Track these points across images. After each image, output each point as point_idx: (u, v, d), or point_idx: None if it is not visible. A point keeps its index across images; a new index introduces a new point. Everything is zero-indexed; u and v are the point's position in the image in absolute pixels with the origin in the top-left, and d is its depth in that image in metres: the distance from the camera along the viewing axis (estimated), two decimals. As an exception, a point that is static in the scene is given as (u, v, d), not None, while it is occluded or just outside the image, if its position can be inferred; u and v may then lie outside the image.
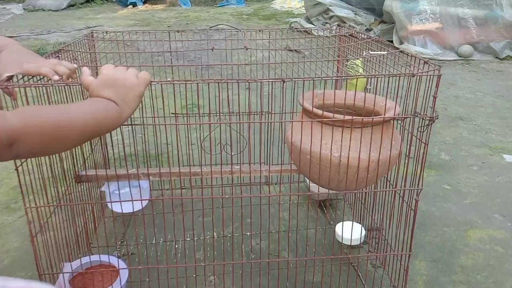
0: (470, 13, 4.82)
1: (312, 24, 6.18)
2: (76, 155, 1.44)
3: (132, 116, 0.96)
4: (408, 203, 1.23)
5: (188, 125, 1.24)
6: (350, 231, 1.46)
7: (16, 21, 7.51)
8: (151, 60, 1.93)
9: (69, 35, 6.01)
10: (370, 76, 1.09)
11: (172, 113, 1.92)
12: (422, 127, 1.08)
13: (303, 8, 6.92)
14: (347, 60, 1.47)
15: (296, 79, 1.01)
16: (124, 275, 1.31)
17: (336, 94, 1.24)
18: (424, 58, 3.83)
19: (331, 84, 1.87)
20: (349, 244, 1.58)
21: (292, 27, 6.39)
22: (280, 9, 8.64)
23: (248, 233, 1.70)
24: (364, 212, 1.65)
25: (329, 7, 6.01)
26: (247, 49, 1.49)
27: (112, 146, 1.63)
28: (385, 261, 1.47)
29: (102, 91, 0.82)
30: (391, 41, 5.30)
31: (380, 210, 1.43)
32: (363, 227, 1.60)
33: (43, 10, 8.84)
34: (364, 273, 1.52)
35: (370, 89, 1.39)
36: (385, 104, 1.13)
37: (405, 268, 1.28)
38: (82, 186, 1.55)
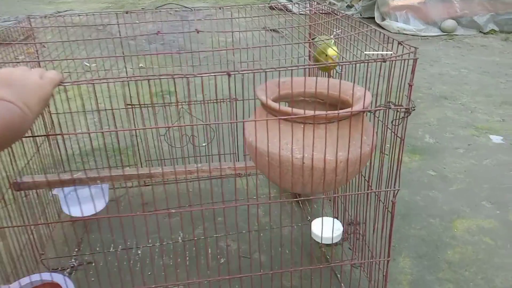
0: (453, -14, 4.66)
1: (291, 1, 5.96)
2: (12, 158, 1.26)
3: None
4: (385, 204, 1.08)
5: (155, 115, 1.08)
6: (328, 229, 1.32)
7: (-18, 8, 7.16)
8: (123, 45, 1.74)
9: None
10: (335, 63, 0.93)
11: (128, 105, 1.76)
12: (397, 120, 0.93)
13: (283, -15, 6.67)
14: (312, 38, 1.32)
15: (244, 71, 0.85)
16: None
17: (298, 82, 1.09)
18: (406, 33, 3.59)
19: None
20: (327, 243, 1.44)
21: (271, 5, 6.17)
22: (260, -13, 8.36)
23: (218, 235, 1.56)
24: (342, 207, 1.51)
25: (309, -17, 5.80)
26: (198, 32, 1.32)
27: (77, 140, 1.46)
28: (364, 264, 1.34)
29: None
30: (373, 18, 5.13)
31: (358, 207, 1.30)
32: (340, 223, 1.47)
33: (12, -5, 8.44)
34: (343, 273, 1.39)
35: (339, 73, 1.24)
36: (353, 92, 0.97)
37: (384, 274, 1.15)
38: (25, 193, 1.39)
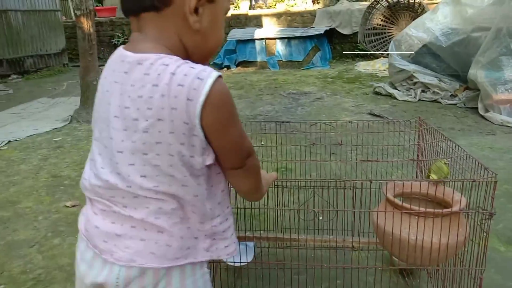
0: (559, 83, 4.83)
1: (396, 89, 6.46)
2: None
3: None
4: (475, 279, 1.49)
5: (282, 189, 1.64)
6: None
7: None
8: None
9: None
10: (442, 181, 1.42)
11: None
12: (483, 220, 1.37)
13: (387, 70, 7.23)
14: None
15: (382, 180, 1.38)
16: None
17: (413, 185, 1.58)
18: (510, 126, 4.02)
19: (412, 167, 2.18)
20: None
21: (376, 91, 6.72)
22: (364, 72, 9.02)
23: (337, 292, 2.02)
24: (441, 282, 1.90)
25: (413, 74, 6.28)
26: (341, 145, 1.85)
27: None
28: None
29: (265, 177, 1.25)
30: (476, 108, 5.41)
31: (454, 282, 1.69)
32: (439, 296, 1.85)
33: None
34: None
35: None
36: (453, 197, 1.44)
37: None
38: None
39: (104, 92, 1.04)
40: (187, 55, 1.03)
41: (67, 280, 2.24)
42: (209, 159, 0.99)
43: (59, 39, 10.92)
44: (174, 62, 0.94)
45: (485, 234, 1.38)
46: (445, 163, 1.47)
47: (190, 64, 0.95)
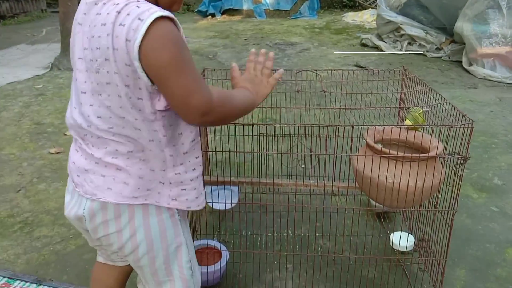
0: (543, 37, 4.87)
1: (383, 41, 6.42)
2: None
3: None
4: (446, 220, 1.58)
5: (266, 137, 1.66)
6: (403, 239, 1.83)
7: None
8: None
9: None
10: (419, 126, 1.46)
11: (260, 134, 2.39)
12: (458, 165, 1.44)
13: (375, 22, 7.14)
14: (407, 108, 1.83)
15: (363, 125, 1.41)
16: (226, 256, 1.78)
17: (393, 131, 1.63)
18: (492, 80, 4.10)
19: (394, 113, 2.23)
20: (402, 250, 1.94)
21: (363, 43, 6.68)
22: (352, 23, 8.90)
23: (318, 234, 2.12)
24: (415, 224, 2.00)
25: (400, 26, 6.24)
26: (325, 92, 1.87)
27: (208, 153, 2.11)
28: (428, 265, 1.82)
29: (245, 84, 1.18)
30: (461, 62, 5.45)
31: (427, 224, 1.79)
32: (413, 237, 1.95)
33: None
34: (411, 274, 1.88)
35: (426, 111, 1.73)
36: (430, 142, 1.49)
37: (442, 271, 1.63)
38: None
39: (74, 34, 1.04)
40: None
41: (54, 223, 2.29)
42: (160, 105, 0.98)
43: (36, -18, 10.42)
44: (124, 1, 0.92)
45: (459, 178, 1.45)
46: (422, 111, 1.51)
47: (139, 4, 0.91)
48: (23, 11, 10.04)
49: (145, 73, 0.92)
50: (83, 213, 1.09)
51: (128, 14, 0.90)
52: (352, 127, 1.40)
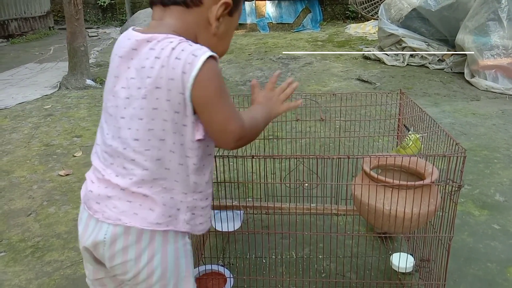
0: (544, 49, 4.90)
1: (385, 54, 6.48)
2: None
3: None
4: (444, 245, 1.62)
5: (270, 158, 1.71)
6: (404, 261, 1.86)
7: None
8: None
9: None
10: (414, 156, 1.51)
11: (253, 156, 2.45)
12: (453, 191, 1.48)
13: (377, 33, 7.21)
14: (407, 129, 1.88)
15: (360, 157, 1.47)
16: (230, 283, 1.83)
17: (389, 159, 1.68)
18: (494, 92, 4.15)
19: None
20: (403, 271, 1.97)
21: (365, 56, 6.74)
22: (354, 35, 8.98)
23: (320, 256, 2.16)
24: (415, 244, 2.04)
25: (402, 38, 6.30)
26: (323, 120, 1.92)
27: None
28: (429, 287, 1.85)
29: (262, 101, 1.31)
30: (463, 73, 5.49)
31: (426, 245, 1.83)
32: (413, 257, 1.99)
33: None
34: (412, 295, 1.91)
35: (422, 136, 1.78)
36: (425, 169, 1.54)
37: (442, 294, 1.67)
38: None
39: (113, 67, 1.17)
40: None
41: (64, 247, 2.36)
42: (199, 134, 1.10)
43: (44, 1, 10.64)
44: (177, 40, 1.07)
45: (454, 204, 1.49)
46: (418, 137, 1.56)
47: (190, 42, 1.07)
48: (31, 29, 10.25)
49: (192, 103, 1.06)
50: (104, 238, 1.12)
51: (182, 50, 1.05)
52: (348, 158, 1.46)
